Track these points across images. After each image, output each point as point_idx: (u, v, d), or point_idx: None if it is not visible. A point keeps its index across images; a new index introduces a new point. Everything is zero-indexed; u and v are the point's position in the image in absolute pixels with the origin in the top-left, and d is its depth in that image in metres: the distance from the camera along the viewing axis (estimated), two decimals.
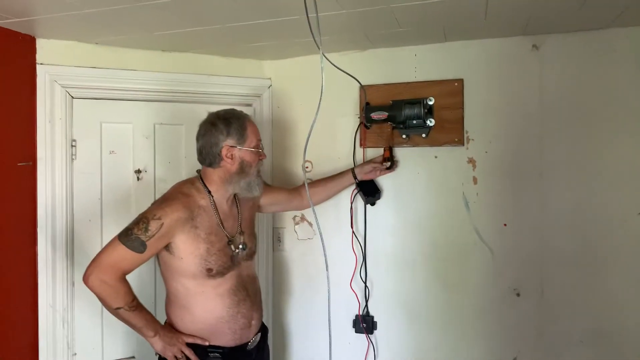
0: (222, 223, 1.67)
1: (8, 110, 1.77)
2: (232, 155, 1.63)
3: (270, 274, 2.34)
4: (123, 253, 1.50)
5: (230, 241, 1.67)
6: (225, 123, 1.64)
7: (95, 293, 1.52)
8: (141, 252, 1.51)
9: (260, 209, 1.98)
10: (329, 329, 1.57)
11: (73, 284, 1.96)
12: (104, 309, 1.98)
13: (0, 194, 1.72)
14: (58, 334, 1.92)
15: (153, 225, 1.51)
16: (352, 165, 2.08)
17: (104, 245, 1.57)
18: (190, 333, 1.63)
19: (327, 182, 2.03)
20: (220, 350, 1.64)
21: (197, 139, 1.68)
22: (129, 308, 1.54)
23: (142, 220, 1.53)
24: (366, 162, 2.05)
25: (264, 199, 1.94)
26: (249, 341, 1.72)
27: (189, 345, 1.62)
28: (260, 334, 1.78)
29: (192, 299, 1.62)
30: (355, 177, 2.01)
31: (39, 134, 1.87)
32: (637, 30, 1.77)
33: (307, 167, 2.21)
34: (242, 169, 1.65)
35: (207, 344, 1.63)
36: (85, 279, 1.51)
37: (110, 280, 1.50)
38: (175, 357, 1.61)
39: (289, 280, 2.33)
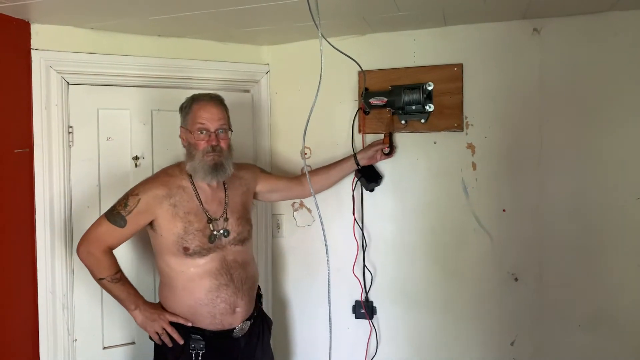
0: (202, 205, 1.69)
1: (3, 97, 1.75)
2: (182, 136, 1.73)
3: (269, 261, 2.34)
4: (107, 227, 1.62)
5: (210, 223, 1.69)
6: (180, 107, 1.74)
7: (84, 264, 1.66)
8: (122, 226, 1.62)
9: (257, 195, 1.97)
10: (329, 314, 1.58)
11: (72, 271, 1.96)
12: (104, 296, 2.01)
13: None
14: (58, 320, 1.92)
15: (131, 201, 1.62)
16: (352, 151, 2.07)
17: None
18: (175, 312, 1.68)
19: (329, 170, 2.01)
20: (201, 333, 1.67)
21: None
22: (112, 280, 1.65)
23: (124, 197, 1.65)
24: (368, 147, 2.04)
25: (261, 186, 1.95)
26: (234, 328, 1.71)
27: (172, 324, 1.66)
28: (250, 322, 1.76)
29: (175, 278, 1.68)
30: (357, 164, 2.00)
31: (35, 120, 1.86)
32: (638, 13, 1.75)
33: (305, 154, 2.20)
34: (189, 152, 1.70)
35: (190, 324, 1.67)
36: (77, 251, 1.67)
37: (95, 252, 1.63)
38: (158, 333, 1.66)
39: (288, 266, 2.33)
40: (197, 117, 1.66)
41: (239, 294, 1.71)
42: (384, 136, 2.03)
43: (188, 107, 1.70)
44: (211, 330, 1.68)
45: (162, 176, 1.71)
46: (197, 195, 1.70)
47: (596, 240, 1.84)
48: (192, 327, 1.67)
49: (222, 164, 1.67)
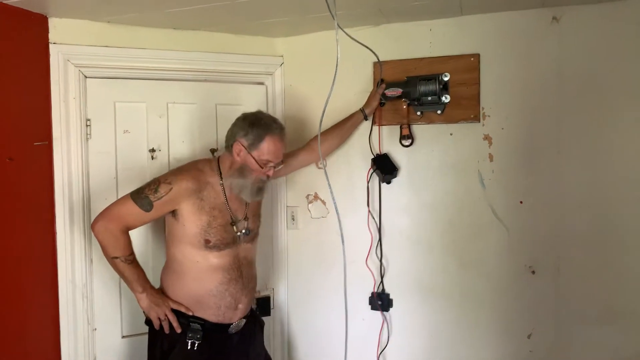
0: (227, 202, 1.74)
1: (23, 91, 1.77)
2: (239, 152, 1.71)
3: (285, 252, 2.36)
4: (131, 208, 1.64)
5: (233, 222, 1.75)
6: (250, 124, 1.71)
7: (98, 239, 1.66)
8: (147, 210, 1.64)
9: (277, 179, 2.04)
10: (345, 305, 1.58)
11: (91, 261, 1.99)
12: (123, 286, 2.03)
13: (18, 173, 1.75)
14: (78, 309, 1.96)
15: (163, 189, 1.64)
16: (368, 144, 2.08)
17: None
18: (178, 300, 1.72)
19: (341, 127, 2.04)
20: (202, 322, 1.71)
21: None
22: (125, 260, 1.67)
23: (154, 182, 1.67)
24: (369, 99, 2.04)
25: (280, 172, 1.95)
26: (232, 323, 1.76)
27: (173, 311, 1.70)
28: (245, 320, 1.82)
29: (187, 267, 1.72)
30: (366, 117, 2.03)
31: (53, 113, 1.88)
32: None
33: (320, 166, 2.20)
34: (242, 170, 1.71)
35: (190, 313, 1.71)
36: (93, 225, 1.66)
37: (114, 230, 1.64)
38: (159, 318, 1.70)
39: (303, 258, 2.34)
40: (268, 151, 1.70)
41: (244, 291, 1.78)
42: (402, 128, 2.02)
43: (259, 136, 1.69)
44: (211, 322, 1.72)
45: (194, 170, 1.73)
46: (224, 193, 1.74)
47: (615, 233, 1.81)
48: (192, 316, 1.71)
49: (265, 188, 1.77)
